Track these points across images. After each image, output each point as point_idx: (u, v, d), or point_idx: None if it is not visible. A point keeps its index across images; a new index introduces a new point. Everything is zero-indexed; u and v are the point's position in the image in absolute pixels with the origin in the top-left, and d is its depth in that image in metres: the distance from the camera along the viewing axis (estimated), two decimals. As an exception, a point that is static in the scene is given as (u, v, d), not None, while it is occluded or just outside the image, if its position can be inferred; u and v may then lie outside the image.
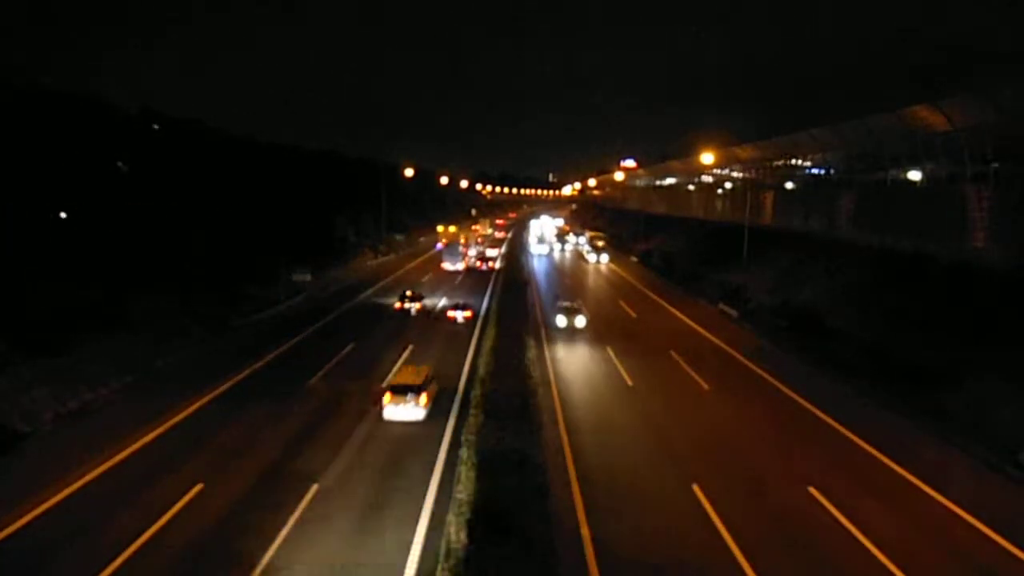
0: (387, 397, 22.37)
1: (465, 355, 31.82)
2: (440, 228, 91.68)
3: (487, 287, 53.58)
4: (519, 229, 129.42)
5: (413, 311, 42.00)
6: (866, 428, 22.75)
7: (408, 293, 43.47)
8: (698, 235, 69.62)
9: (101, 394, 24.20)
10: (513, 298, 43.26)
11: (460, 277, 59.09)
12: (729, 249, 52.71)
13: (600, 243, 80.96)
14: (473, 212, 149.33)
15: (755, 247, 49.22)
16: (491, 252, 73.28)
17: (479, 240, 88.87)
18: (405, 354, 31.62)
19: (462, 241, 76.98)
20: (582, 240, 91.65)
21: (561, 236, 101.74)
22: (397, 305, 42.65)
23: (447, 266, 64.08)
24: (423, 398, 22.30)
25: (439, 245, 77.97)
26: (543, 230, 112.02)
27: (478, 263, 67.50)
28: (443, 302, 45.80)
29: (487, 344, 30.23)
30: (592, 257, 76.34)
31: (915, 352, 27.83)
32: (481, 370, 25.99)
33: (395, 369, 27.49)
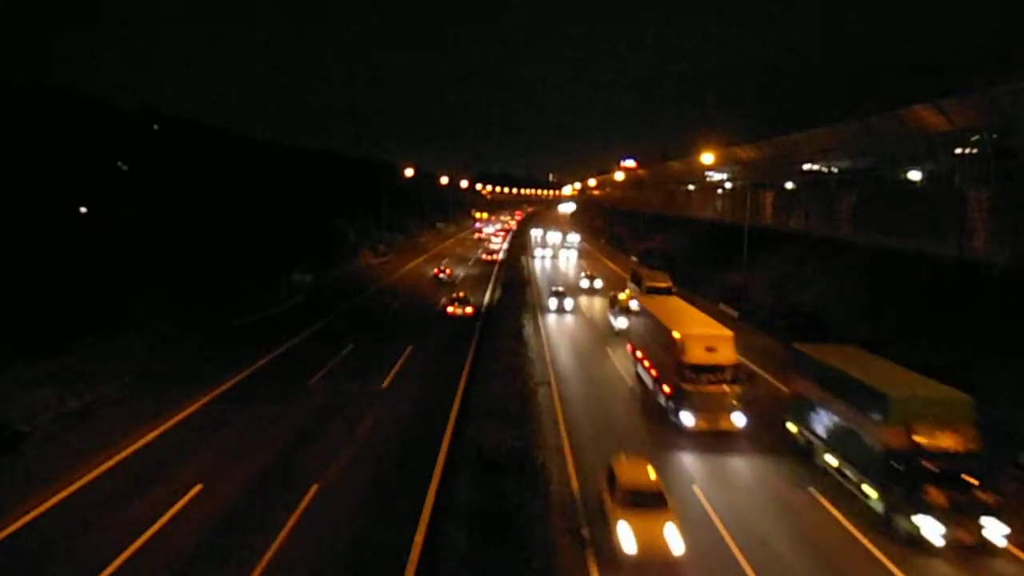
0: None
1: (464, 359, 31.92)
2: (476, 214, 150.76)
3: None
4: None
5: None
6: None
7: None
8: (699, 235, 69.51)
9: (101, 394, 24.19)
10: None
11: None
12: (729, 249, 52.59)
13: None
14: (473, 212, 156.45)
15: (755, 247, 49.11)
16: (511, 223, 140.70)
17: (502, 218, 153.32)
18: (405, 355, 31.71)
19: (492, 219, 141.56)
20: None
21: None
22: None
23: (485, 230, 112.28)
24: None
25: (477, 224, 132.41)
26: (555, 257, 75.42)
27: (504, 228, 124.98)
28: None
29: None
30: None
31: (915, 352, 27.73)
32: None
33: None
